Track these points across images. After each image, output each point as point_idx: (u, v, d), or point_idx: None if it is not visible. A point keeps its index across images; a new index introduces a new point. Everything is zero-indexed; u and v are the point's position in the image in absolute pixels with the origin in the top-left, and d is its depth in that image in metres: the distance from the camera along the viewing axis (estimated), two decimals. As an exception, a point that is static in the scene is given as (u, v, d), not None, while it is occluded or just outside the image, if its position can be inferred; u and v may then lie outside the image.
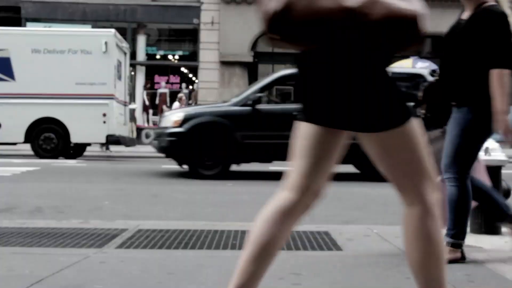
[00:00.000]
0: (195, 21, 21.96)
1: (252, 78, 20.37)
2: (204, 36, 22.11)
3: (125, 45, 16.00)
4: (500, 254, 3.75)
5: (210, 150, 9.40)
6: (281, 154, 9.69)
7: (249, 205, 6.55)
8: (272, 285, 2.89)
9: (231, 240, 4.06)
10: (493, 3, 3.40)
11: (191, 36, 22.83)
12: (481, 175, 3.78)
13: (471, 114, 3.37)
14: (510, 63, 3.33)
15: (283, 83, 10.56)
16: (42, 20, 21.17)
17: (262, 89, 9.75)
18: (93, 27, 20.31)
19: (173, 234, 4.26)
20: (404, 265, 3.39)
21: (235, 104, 9.61)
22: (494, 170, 4.37)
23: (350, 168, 10.06)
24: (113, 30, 14.79)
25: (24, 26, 20.75)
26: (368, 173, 9.62)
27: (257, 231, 1.93)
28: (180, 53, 23.13)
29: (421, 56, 20.09)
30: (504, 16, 3.35)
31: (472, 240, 4.17)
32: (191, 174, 9.48)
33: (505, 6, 3.42)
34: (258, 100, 9.44)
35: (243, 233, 4.31)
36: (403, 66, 18.09)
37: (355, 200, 7.15)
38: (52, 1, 21.60)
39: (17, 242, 3.90)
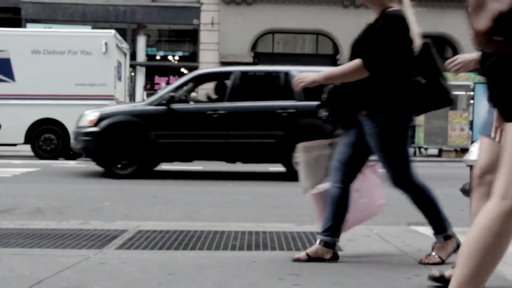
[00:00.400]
0: (195, 21, 21.98)
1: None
2: (204, 36, 22.13)
3: (125, 46, 16.00)
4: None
5: (124, 149, 9.44)
6: (199, 153, 9.73)
7: (249, 206, 6.56)
8: (272, 286, 2.89)
9: (231, 241, 4.06)
10: (397, 8, 3.32)
11: (191, 36, 22.85)
12: (373, 189, 3.70)
13: (385, 121, 3.31)
14: (373, 64, 3.26)
15: (200, 83, 10.59)
16: (42, 21, 21.19)
17: (176, 89, 9.76)
18: (93, 28, 20.34)
19: (173, 235, 4.26)
20: (404, 266, 3.40)
21: (150, 104, 9.62)
22: (494, 170, 4.37)
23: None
24: (113, 31, 14.79)
25: (24, 27, 20.78)
26: (292, 172, 9.53)
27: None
28: (180, 53, 23.15)
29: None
30: (401, 21, 3.27)
31: (472, 240, 4.17)
32: (107, 174, 9.51)
33: (409, 13, 3.33)
34: (172, 99, 9.41)
35: (243, 234, 4.31)
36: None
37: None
38: (52, 2, 21.61)
39: (17, 243, 3.90)
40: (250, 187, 8.46)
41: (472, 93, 16.70)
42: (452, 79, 17.97)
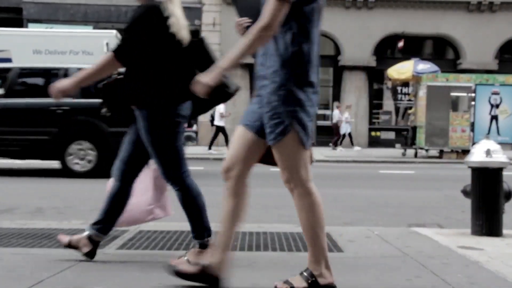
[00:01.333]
0: (196, 22, 21.98)
1: (253, 79, 20.41)
2: (205, 37, 22.14)
3: (126, 46, 16.00)
4: (502, 256, 3.74)
5: None
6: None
7: (250, 206, 6.52)
8: (272, 286, 2.89)
9: (231, 241, 4.05)
10: (159, 0, 3.28)
11: (193, 37, 22.85)
12: (143, 192, 3.61)
13: (150, 116, 3.25)
14: (123, 55, 3.23)
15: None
16: (44, 21, 21.20)
17: None
18: (94, 28, 20.34)
19: (173, 235, 4.26)
20: (405, 267, 3.40)
21: None
22: (495, 172, 4.37)
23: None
24: (114, 31, 14.79)
25: (26, 27, 20.78)
26: (66, 169, 9.51)
27: None
28: (181, 54, 23.18)
29: (422, 58, 20.09)
30: (151, 10, 3.24)
31: (473, 242, 4.17)
32: None
33: (176, 6, 3.33)
34: None
35: (244, 234, 4.30)
36: (405, 68, 18.06)
37: (355, 201, 7.14)
38: (53, 2, 21.63)
39: (18, 243, 3.91)
40: (251, 187, 8.43)
41: (473, 94, 16.71)
42: (454, 80, 17.74)
